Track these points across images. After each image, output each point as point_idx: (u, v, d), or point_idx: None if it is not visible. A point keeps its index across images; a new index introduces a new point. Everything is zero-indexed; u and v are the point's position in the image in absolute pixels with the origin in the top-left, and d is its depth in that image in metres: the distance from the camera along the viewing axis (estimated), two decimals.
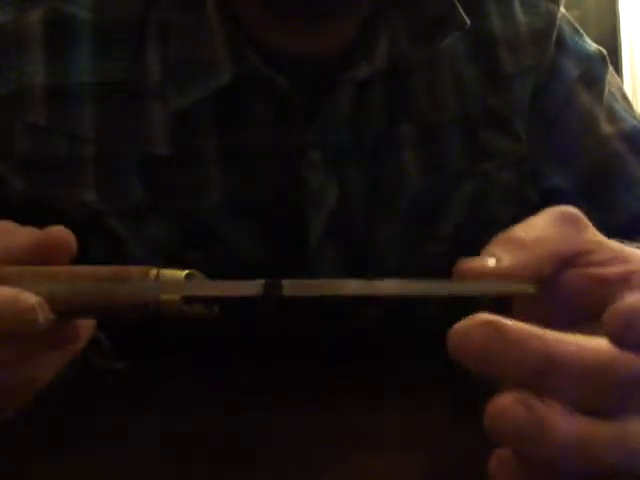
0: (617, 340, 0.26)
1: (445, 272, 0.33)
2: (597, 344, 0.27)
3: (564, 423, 0.26)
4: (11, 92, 0.54)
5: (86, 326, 0.39)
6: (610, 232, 0.38)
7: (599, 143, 0.62)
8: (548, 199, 0.62)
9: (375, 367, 0.49)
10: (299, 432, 0.40)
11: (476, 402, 0.28)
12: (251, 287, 0.33)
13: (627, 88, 2.09)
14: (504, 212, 0.60)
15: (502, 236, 0.34)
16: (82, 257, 0.39)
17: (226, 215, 0.55)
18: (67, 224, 0.40)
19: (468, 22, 0.56)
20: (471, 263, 0.33)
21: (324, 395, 0.46)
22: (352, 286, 0.32)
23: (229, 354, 0.52)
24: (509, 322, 0.26)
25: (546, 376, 0.26)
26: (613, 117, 0.63)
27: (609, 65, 0.66)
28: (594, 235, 0.35)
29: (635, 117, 0.65)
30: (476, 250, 0.35)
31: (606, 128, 0.63)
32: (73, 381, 0.41)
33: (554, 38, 0.62)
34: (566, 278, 0.34)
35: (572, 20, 0.65)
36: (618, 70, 2.12)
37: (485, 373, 0.26)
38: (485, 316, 0.26)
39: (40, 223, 0.40)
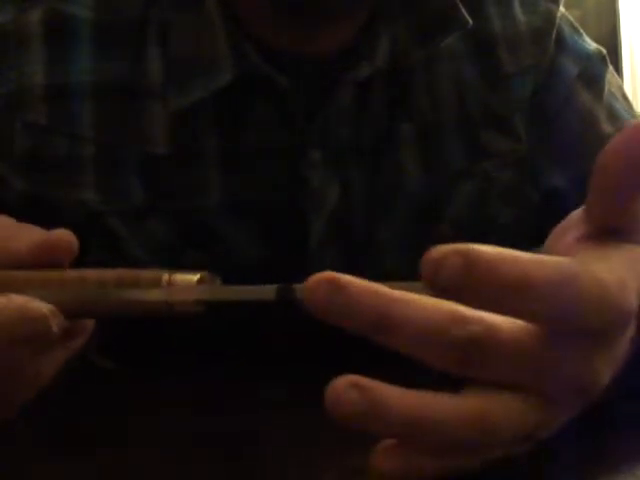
0: (428, 284, 0.27)
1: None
2: (436, 302, 0.28)
3: (395, 400, 0.27)
4: (11, 92, 0.54)
5: (87, 322, 0.39)
6: None
7: (599, 142, 0.62)
8: (548, 199, 0.62)
9: (375, 367, 0.49)
10: (299, 432, 0.40)
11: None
12: (264, 292, 0.33)
13: (627, 88, 2.09)
14: (504, 212, 0.60)
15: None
16: (82, 257, 0.39)
17: (226, 215, 0.55)
18: (67, 224, 0.40)
19: (470, 22, 0.56)
20: None
21: (324, 396, 0.46)
22: None
23: (229, 355, 0.52)
24: (350, 278, 0.27)
25: (382, 332, 0.27)
26: (613, 116, 0.63)
27: (609, 64, 0.66)
28: None
29: (635, 117, 0.65)
30: None
31: (606, 127, 0.63)
32: (73, 378, 0.41)
33: (554, 37, 0.62)
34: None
35: (572, 19, 0.65)
36: (618, 70, 2.12)
37: (334, 325, 0.27)
38: (330, 273, 0.27)
39: (40, 223, 0.40)
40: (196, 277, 0.35)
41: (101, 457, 0.39)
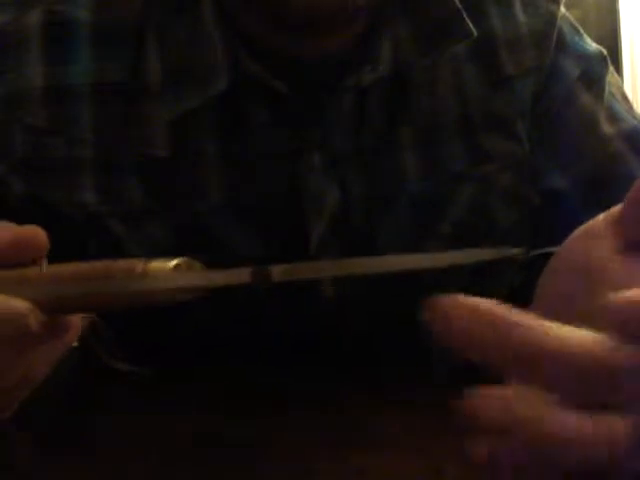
0: (619, 330, 0.26)
1: (445, 273, 0.33)
2: (582, 335, 0.27)
3: (538, 413, 0.26)
4: (10, 93, 0.54)
5: (78, 316, 0.39)
6: None
7: (600, 143, 0.62)
8: (548, 200, 0.62)
9: (375, 368, 0.49)
10: (299, 432, 0.40)
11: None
12: (239, 275, 0.32)
13: (627, 88, 2.09)
14: (504, 213, 0.60)
15: None
16: (81, 258, 0.39)
17: (226, 217, 0.55)
18: (66, 225, 0.40)
19: (475, 32, 0.56)
20: None
21: (324, 396, 0.46)
22: (336, 266, 0.32)
23: (229, 355, 0.52)
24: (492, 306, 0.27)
25: (529, 364, 0.26)
26: (614, 117, 0.63)
27: (609, 65, 0.65)
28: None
29: (635, 117, 0.65)
30: None
31: (607, 128, 0.62)
32: (73, 376, 0.41)
33: (554, 39, 0.62)
34: None
35: (572, 20, 0.65)
36: (618, 70, 2.12)
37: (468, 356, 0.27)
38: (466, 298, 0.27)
39: (39, 224, 0.40)
40: (172, 264, 0.34)
41: (101, 457, 0.39)
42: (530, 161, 0.61)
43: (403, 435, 0.40)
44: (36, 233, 0.38)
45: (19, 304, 0.35)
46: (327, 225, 0.55)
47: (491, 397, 0.27)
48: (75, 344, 0.42)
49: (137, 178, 0.54)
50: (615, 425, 0.27)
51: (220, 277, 0.33)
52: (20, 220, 0.41)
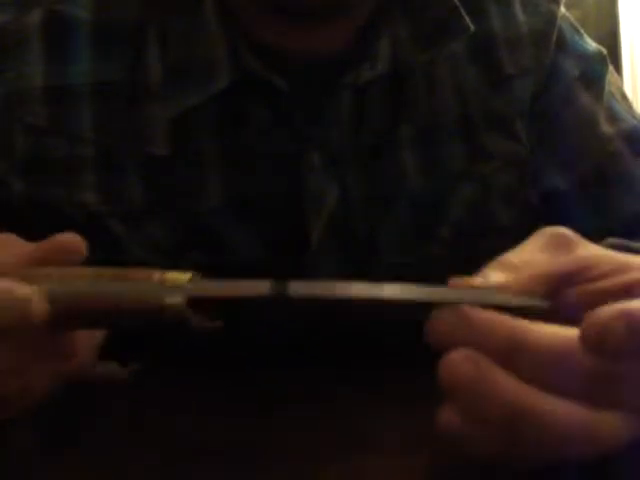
0: (594, 351, 0.28)
1: (445, 274, 0.33)
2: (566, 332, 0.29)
3: (507, 383, 0.28)
4: (11, 93, 0.54)
5: (91, 344, 0.39)
6: (610, 232, 0.39)
7: (599, 143, 0.62)
8: (548, 200, 0.62)
9: (375, 369, 0.49)
10: (299, 433, 0.40)
11: None
12: (257, 288, 0.33)
13: (627, 88, 2.09)
14: (504, 213, 0.60)
15: (494, 262, 0.35)
16: None
17: (226, 216, 0.55)
18: (67, 225, 0.40)
19: (472, 28, 0.56)
20: (464, 280, 0.33)
21: (324, 396, 0.46)
22: (359, 289, 0.32)
23: (229, 355, 0.52)
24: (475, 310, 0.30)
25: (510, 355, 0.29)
26: (613, 117, 0.63)
27: (609, 65, 0.66)
28: (589, 250, 0.35)
29: (635, 117, 0.65)
30: (476, 251, 0.35)
31: (606, 128, 0.63)
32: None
33: (554, 38, 0.62)
34: (567, 297, 0.34)
35: (572, 20, 0.65)
36: (618, 70, 2.11)
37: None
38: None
39: (40, 224, 0.40)
40: (187, 276, 0.35)
41: (101, 457, 0.39)
42: (530, 161, 0.61)
43: (403, 435, 0.40)
44: (74, 241, 0.38)
45: (23, 290, 0.35)
46: (326, 224, 0.55)
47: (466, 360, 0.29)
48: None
49: (137, 177, 0.55)
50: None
51: (237, 289, 0.33)
52: (20, 220, 0.41)
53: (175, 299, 0.34)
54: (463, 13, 0.55)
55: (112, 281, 0.36)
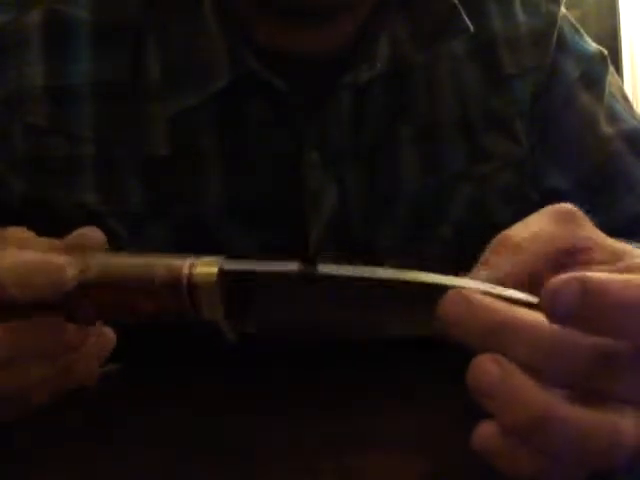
0: (548, 315, 0.28)
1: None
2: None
3: (528, 384, 0.28)
4: (11, 93, 0.54)
5: (99, 354, 0.39)
6: (610, 233, 0.39)
7: (599, 143, 0.62)
8: (548, 200, 0.62)
9: (375, 368, 0.49)
10: (299, 433, 0.40)
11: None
12: (287, 266, 0.33)
13: (627, 88, 2.09)
14: (504, 213, 0.60)
15: (497, 240, 0.35)
16: None
17: (225, 216, 0.55)
18: (66, 225, 0.40)
19: (472, 28, 0.56)
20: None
21: (324, 396, 0.46)
22: (385, 272, 0.33)
23: (229, 355, 0.52)
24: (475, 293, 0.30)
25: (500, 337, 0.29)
26: (613, 117, 0.63)
27: (609, 65, 0.66)
28: (592, 233, 0.36)
29: (635, 117, 0.65)
30: (476, 251, 0.35)
31: (606, 128, 0.63)
32: None
33: (555, 38, 0.62)
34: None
35: (572, 20, 0.65)
36: (618, 70, 2.11)
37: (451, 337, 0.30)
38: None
39: (40, 224, 0.40)
40: (215, 270, 0.35)
41: (101, 457, 0.39)
42: (530, 161, 0.61)
43: (403, 435, 0.40)
44: (93, 233, 0.39)
45: (57, 258, 0.35)
46: (326, 224, 0.55)
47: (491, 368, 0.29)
48: None
49: (137, 177, 0.55)
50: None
51: (268, 265, 0.33)
52: (20, 220, 0.41)
53: (207, 269, 0.34)
54: (462, 12, 0.55)
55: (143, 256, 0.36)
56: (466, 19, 0.55)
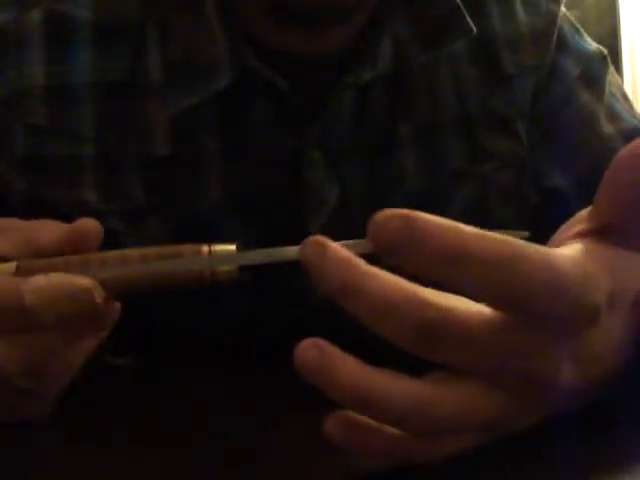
0: (373, 244, 0.29)
1: None
2: (399, 281, 0.28)
3: (346, 365, 0.28)
4: (11, 92, 0.54)
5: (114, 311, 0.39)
6: None
7: (599, 143, 0.62)
8: (548, 199, 0.62)
9: (375, 367, 0.49)
10: (299, 433, 0.40)
11: None
12: (296, 252, 0.34)
13: (627, 88, 2.09)
14: (503, 212, 0.60)
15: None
16: None
17: (226, 215, 0.55)
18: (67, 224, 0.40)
19: (474, 29, 0.56)
20: None
21: (324, 395, 0.46)
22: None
23: (229, 355, 0.52)
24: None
25: (344, 298, 0.28)
26: (613, 117, 0.63)
27: (610, 65, 0.66)
28: None
29: (635, 117, 0.65)
30: None
31: (606, 128, 0.63)
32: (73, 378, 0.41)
33: (555, 38, 0.62)
34: None
35: (572, 20, 0.65)
36: (618, 70, 2.12)
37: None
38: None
39: None
40: (234, 246, 0.37)
41: (101, 456, 0.39)
42: (530, 160, 0.61)
43: None
44: (90, 224, 0.39)
45: (82, 280, 0.35)
46: (326, 223, 0.55)
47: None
48: None
49: (138, 176, 0.55)
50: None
51: (280, 255, 0.35)
52: (21, 219, 0.41)
53: (227, 267, 0.36)
54: (465, 13, 0.55)
55: (162, 260, 0.36)
56: (469, 20, 0.55)
